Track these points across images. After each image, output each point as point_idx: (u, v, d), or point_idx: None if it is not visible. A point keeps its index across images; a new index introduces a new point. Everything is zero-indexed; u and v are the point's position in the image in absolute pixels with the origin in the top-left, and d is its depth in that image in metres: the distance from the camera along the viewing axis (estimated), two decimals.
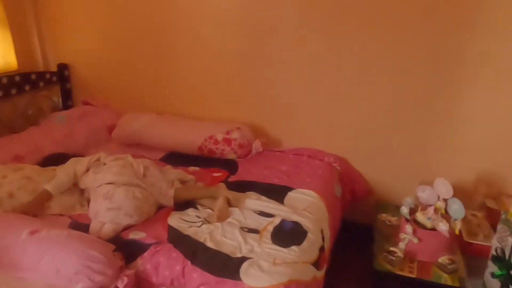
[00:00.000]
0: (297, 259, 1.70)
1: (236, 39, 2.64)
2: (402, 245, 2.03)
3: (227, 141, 2.58)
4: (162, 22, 2.77)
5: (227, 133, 2.60)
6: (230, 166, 2.54)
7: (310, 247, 1.80)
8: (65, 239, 1.67)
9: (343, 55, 2.43)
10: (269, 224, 1.93)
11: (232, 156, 2.61)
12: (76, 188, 2.16)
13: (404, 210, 2.07)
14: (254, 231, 1.88)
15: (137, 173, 2.14)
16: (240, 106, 2.78)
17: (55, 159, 2.39)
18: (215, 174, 2.44)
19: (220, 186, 2.16)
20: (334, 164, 2.53)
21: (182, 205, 2.10)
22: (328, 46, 2.45)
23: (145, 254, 1.73)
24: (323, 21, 2.42)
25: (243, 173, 2.45)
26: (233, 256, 1.71)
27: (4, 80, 2.62)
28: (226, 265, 1.66)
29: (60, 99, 3.15)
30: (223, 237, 1.83)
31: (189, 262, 1.67)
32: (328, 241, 1.99)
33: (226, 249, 1.74)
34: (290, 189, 2.24)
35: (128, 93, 3.07)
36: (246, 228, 1.91)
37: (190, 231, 1.88)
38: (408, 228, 1.99)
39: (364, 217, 2.61)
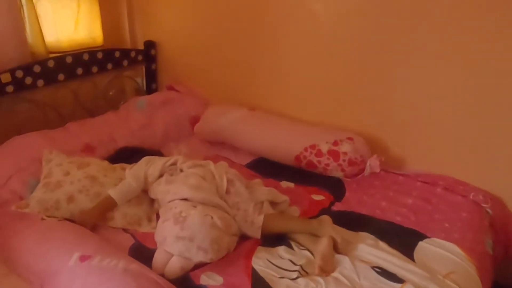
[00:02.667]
0: None
1: (357, 22, 2.01)
2: None
3: (334, 154, 1.99)
4: (264, 1, 2.24)
5: (335, 143, 2.00)
6: (334, 187, 1.96)
7: None
8: (119, 278, 1.26)
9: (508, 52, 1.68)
10: None
11: (337, 174, 2.02)
12: (145, 197, 1.76)
13: None
14: None
15: (219, 188, 1.67)
16: (353, 110, 2.15)
17: (128, 155, 2.02)
18: (315, 197, 1.88)
19: (324, 221, 1.59)
20: (484, 205, 1.81)
21: (272, 239, 1.58)
22: (487, 38, 1.71)
23: None
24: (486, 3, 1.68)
25: (353, 201, 1.85)
26: None
27: (86, 57, 2.33)
28: None
29: (144, 81, 2.82)
30: None
31: None
32: None
33: None
34: (422, 236, 1.60)
35: (218, 80, 2.62)
36: None
37: (281, 285, 1.35)
38: None
39: None
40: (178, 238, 1.41)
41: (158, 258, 1.43)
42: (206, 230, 1.42)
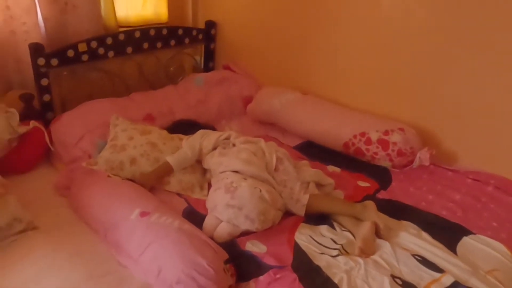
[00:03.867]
0: None
1: (421, 14, 1.97)
2: None
3: (384, 144, 2.00)
4: None
5: (386, 133, 2.01)
6: (381, 176, 1.98)
7: None
8: (174, 235, 1.39)
9: None
10: (435, 283, 1.34)
11: (385, 163, 2.03)
12: (198, 166, 1.89)
13: None
14: (412, 287, 1.33)
15: (268, 164, 1.76)
16: (407, 101, 2.14)
17: (185, 127, 2.16)
18: (361, 183, 1.91)
19: (369, 206, 1.63)
20: None
21: (315, 218, 1.65)
22: None
23: (262, 278, 1.35)
24: None
25: (398, 191, 1.86)
26: None
27: (152, 32, 2.47)
28: None
29: (202, 60, 2.94)
30: (366, 284, 1.33)
31: None
32: None
33: None
34: (467, 232, 1.59)
35: (273, 63, 2.68)
36: (399, 278, 1.36)
37: (322, 260, 1.42)
38: None
39: None
40: (228, 206, 1.51)
41: (208, 222, 1.55)
42: (254, 201, 1.51)
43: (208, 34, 2.84)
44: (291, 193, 1.67)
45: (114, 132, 1.91)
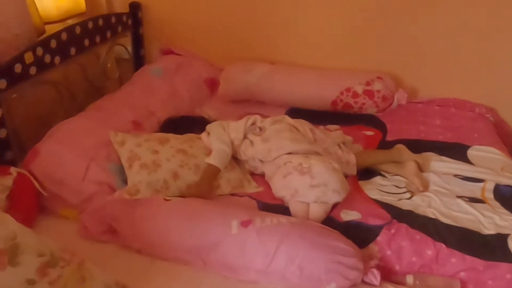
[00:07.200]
0: None
1: None
2: None
3: (369, 94, 2.22)
4: None
5: (367, 84, 2.22)
6: (373, 122, 2.21)
7: None
8: (295, 231, 1.33)
9: None
10: (485, 191, 1.67)
11: (372, 110, 2.27)
12: (233, 161, 1.76)
13: None
14: (476, 200, 1.62)
15: (307, 137, 1.77)
16: (369, 51, 2.37)
17: (183, 125, 1.92)
18: (367, 133, 2.11)
19: (402, 148, 1.85)
20: (487, 115, 2.27)
21: (363, 173, 1.78)
22: None
23: (379, 238, 1.43)
24: None
25: (397, 131, 2.12)
26: (483, 233, 1.46)
27: (90, 25, 2.02)
28: (486, 245, 1.41)
29: (131, 48, 2.56)
30: (450, 210, 1.56)
31: (443, 245, 1.40)
32: None
33: (469, 225, 1.48)
34: (465, 146, 1.97)
35: (219, 39, 2.53)
36: (463, 197, 1.64)
37: (406, 205, 1.58)
38: None
39: None
40: (313, 187, 1.51)
41: (297, 209, 1.51)
42: (334, 174, 1.54)
43: (134, 18, 2.48)
44: (338, 158, 1.74)
45: (128, 151, 1.60)
